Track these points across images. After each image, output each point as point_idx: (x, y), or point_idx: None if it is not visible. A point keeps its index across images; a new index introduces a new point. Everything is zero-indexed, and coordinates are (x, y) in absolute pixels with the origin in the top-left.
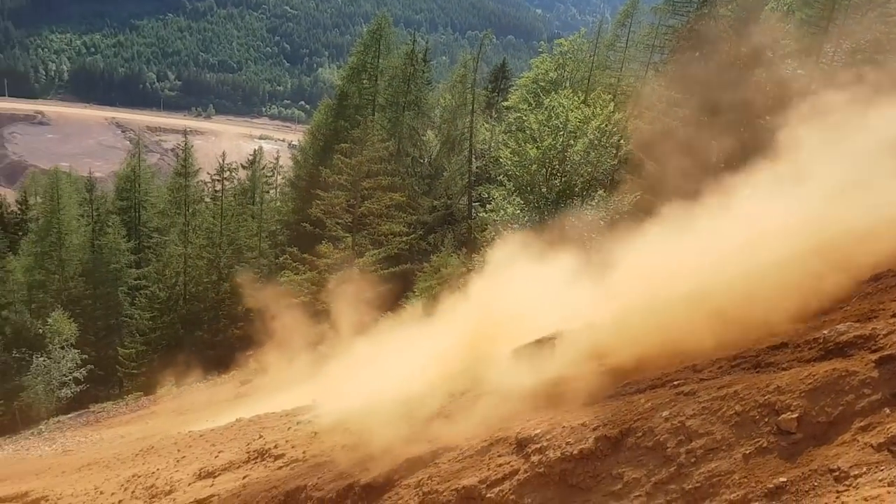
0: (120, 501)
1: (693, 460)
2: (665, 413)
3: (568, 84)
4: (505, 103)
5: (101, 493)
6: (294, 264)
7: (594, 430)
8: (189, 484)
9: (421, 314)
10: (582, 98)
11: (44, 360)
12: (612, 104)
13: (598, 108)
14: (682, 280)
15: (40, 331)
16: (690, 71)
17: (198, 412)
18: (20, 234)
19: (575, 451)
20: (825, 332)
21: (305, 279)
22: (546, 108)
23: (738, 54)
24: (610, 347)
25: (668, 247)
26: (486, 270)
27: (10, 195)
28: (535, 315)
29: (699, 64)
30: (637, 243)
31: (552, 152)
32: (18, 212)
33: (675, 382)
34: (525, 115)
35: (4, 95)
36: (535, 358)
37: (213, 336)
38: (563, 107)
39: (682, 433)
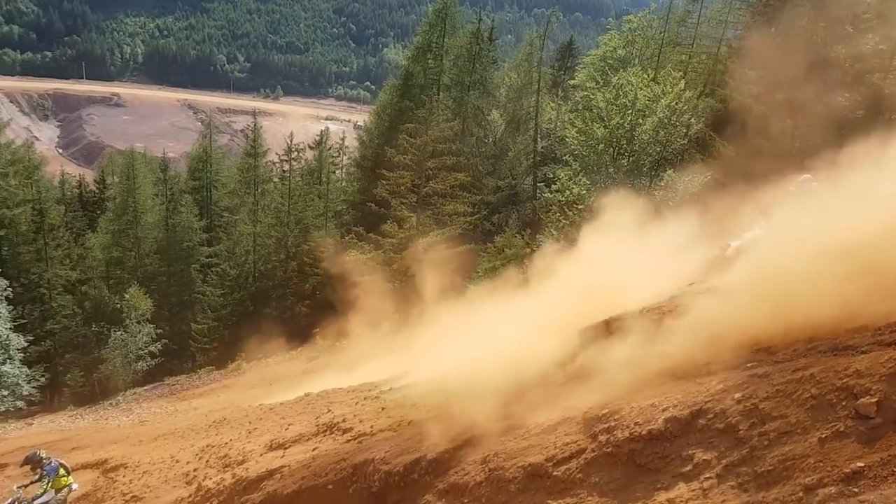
0: (195, 470)
1: (766, 443)
2: (737, 395)
3: (637, 61)
4: (571, 82)
5: (177, 461)
6: (359, 244)
7: (663, 410)
8: (261, 454)
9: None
10: (651, 76)
11: (121, 335)
12: (683, 82)
13: (668, 86)
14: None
15: (118, 306)
16: (766, 47)
17: (267, 386)
18: (98, 212)
19: (644, 432)
20: None
21: (370, 258)
22: (614, 86)
23: (815, 29)
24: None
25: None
26: (585, 240)
27: (89, 175)
28: (640, 284)
29: (775, 40)
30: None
31: (620, 131)
32: (96, 191)
33: (749, 365)
34: (592, 94)
35: (82, 78)
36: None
37: (282, 313)
38: (632, 85)
39: (755, 415)
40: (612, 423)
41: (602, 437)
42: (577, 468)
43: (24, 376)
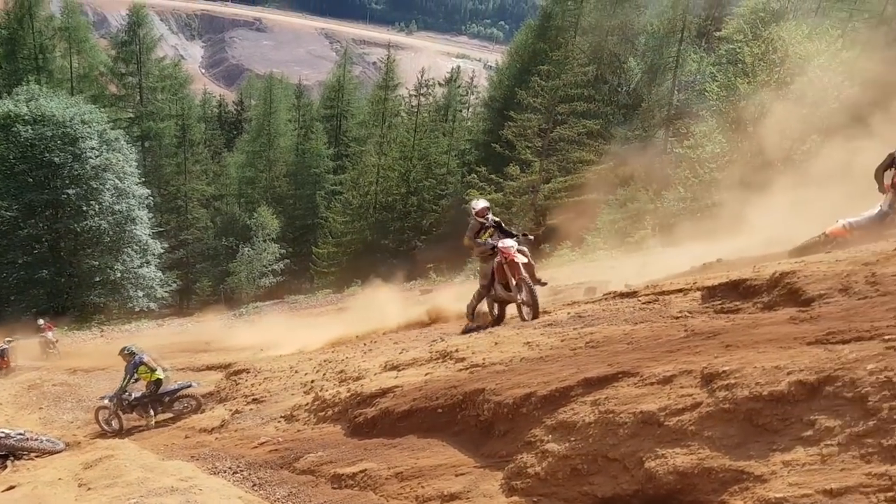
0: (312, 381)
1: None
2: (871, 366)
3: (792, 16)
4: (718, 33)
5: (296, 371)
6: (481, 184)
7: (789, 373)
8: (376, 374)
9: None
10: (807, 32)
11: (248, 250)
12: (841, 41)
13: (824, 45)
14: None
15: (247, 223)
16: None
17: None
18: (235, 132)
19: (765, 392)
20: None
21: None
22: (764, 40)
23: None
24: None
25: None
26: None
27: (229, 96)
28: None
29: None
30: None
31: (766, 89)
32: (235, 112)
33: (887, 337)
34: (740, 47)
35: (228, 1)
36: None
37: (399, 246)
38: (784, 40)
39: (887, 388)
40: (733, 381)
41: (720, 394)
42: (690, 420)
43: (158, 280)
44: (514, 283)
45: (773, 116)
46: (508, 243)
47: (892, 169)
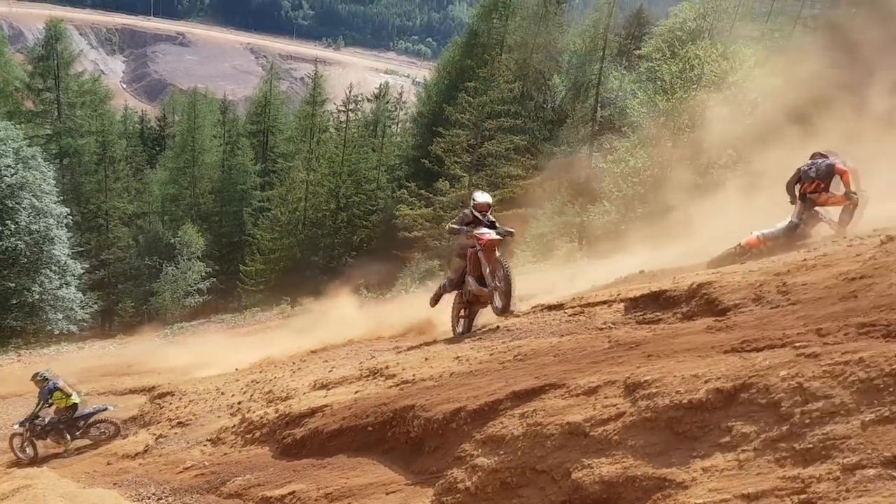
0: (240, 402)
1: (808, 422)
2: (783, 373)
3: (708, 35)
4: (638, 52)
5: (223, 393)
6: (411, 199)
7: (706, 381)
8: (304, 393)
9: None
10: (721, 51)
11: (173, 269)
12: (754, 59)
13: (738, 63)
14: None
15: (171, 241)
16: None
17: (311, 331)
18: (158, 149)
19: (685, 401)
20: None
21: (420, 214)
22: (681, 58)
23: None
24: None
25: None
26: None
27: (151, 111)
28: None
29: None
30: None
31: (683, 106)
32: (157, 128)
33: (798, 344)
34: (658, 66)
35: (151, 15)
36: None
37: (328, 262)
38: (700, 59)
39: (799, 394)
40: (654, 390)
41: (642, 403)
42: (614, 430)
43: (78, 301)
44: (488, 270)
45: (691, 132)
46: (484, 229)
47: (801, 183)
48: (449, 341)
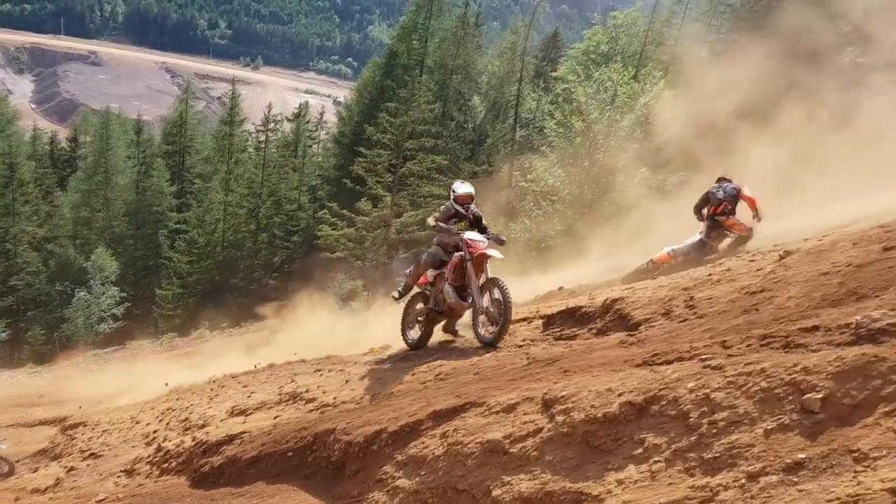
0: (155, 431)
1: (714, 431)
2: (691, 384)
3: (619, 58)
4: (554, 74)
5: (137, 422)
6: (332, 220)
7: (619, 395)
8: (222, 420)
9: None
10: (632, 73)
11: (85, 295)
12: (663, 81)
13: (649, 85)
14: None
15: (83, 266)
16: (749, 52)
17: (229, 356)
18: (69, 170)
19: (599, 415)
20: (858, 317)
21: (342, 235)
22: (595, 80)
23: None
24: None
25: None
26: None
27: (62, 132)
28: None
29: (759, 45)
30: None
31: (598, 126)
32: (68, 149)
33: (703, 357)
34: (573, 87)
35: (61, 34)
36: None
37: (248, 284)
38: (613, 81)
39: (705, 405)
40: (570, 405)
41: (559, 418)
42: (532, 446)
43: None
44: (476, 284)
45: (606, 151)
46: (477, 236)
47: (709, 205)
48: (371, 363)
